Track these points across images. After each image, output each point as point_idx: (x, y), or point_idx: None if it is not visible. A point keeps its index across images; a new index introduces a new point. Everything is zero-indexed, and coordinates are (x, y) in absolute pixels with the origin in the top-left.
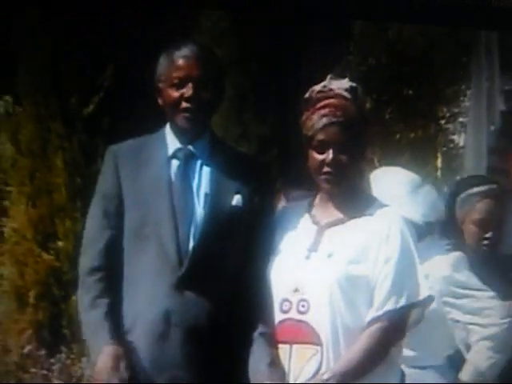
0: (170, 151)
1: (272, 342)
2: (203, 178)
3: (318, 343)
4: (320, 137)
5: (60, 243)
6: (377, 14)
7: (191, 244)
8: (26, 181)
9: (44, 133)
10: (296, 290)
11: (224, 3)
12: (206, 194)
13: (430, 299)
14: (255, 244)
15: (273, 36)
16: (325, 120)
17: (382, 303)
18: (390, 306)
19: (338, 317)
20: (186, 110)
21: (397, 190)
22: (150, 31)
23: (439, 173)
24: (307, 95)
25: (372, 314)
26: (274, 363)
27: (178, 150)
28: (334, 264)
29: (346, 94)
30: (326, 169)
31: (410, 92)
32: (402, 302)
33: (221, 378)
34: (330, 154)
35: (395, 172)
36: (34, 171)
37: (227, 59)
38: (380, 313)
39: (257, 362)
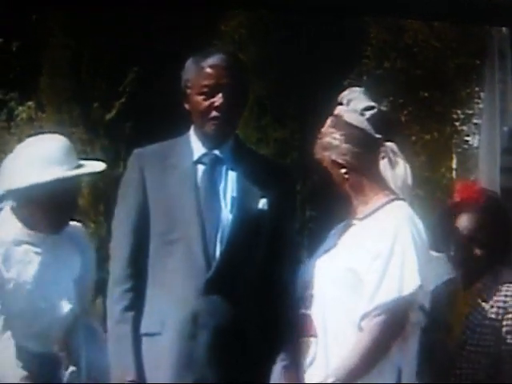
0: (196, 156)
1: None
2: (229, 182)
3: (315, 335)
4: None
5: None
6: (383, 10)
7: (218, 247)
8: None
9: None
10: (307, 286)
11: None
12: (232, 198)
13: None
14: (281, 246)
15: (291, 42)
16: None
17: (371, 297)
18: (380, 300)
19: (329, 309)
20: (215, 118)
21: None
22: (171, 37)
23: (454, 173)
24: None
25: (364, 308)
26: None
27: (204, 154)
28: (332, 259)
29: None
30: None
31: (426, 95)
32: (393, 295)
33: (246, 378)
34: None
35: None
36: None
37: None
38: (371, 307)
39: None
